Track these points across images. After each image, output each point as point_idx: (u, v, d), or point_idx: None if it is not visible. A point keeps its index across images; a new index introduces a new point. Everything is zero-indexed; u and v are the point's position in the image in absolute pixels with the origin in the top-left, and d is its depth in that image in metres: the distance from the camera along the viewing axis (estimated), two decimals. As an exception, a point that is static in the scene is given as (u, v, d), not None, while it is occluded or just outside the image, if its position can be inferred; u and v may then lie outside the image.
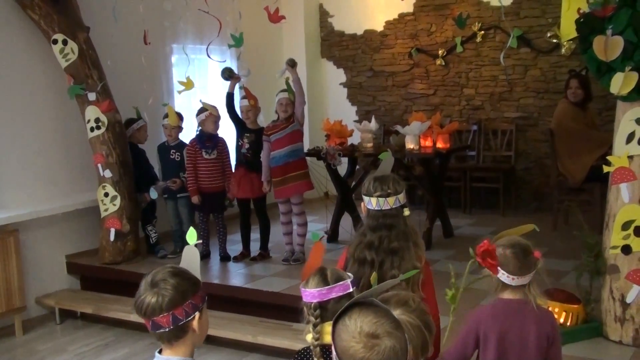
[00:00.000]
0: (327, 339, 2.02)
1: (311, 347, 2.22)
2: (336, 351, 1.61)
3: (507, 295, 2.73)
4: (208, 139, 5.92)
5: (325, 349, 2.15)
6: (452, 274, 2.52)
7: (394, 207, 2.84)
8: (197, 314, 2.01)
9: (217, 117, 5.92)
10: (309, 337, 2.23)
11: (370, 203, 2.87)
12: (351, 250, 2.90)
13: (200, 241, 2.29)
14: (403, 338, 1.58)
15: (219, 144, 5.96)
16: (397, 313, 1.77)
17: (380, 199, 2.84)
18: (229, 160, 6.03)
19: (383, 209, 2.84)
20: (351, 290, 2.24)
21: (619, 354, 3.74)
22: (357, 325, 1.57)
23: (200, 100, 5.99)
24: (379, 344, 1.55)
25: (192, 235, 2.24)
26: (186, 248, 2.22)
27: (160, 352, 2.07)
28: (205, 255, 6.03)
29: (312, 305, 2.22)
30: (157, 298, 1.96)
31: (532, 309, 2.69)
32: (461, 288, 2.51)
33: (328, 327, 1.99)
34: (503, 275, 2.69)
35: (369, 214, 2.92)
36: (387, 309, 1.61)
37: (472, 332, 2.74)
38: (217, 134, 5.99)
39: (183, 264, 2.16)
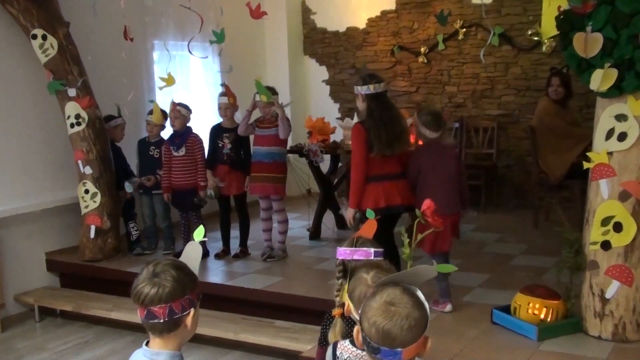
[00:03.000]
0: (345, 297, 2.33)
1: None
2: (360, 323, 1.82)
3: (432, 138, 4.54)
4: (177, 136, 5.89)
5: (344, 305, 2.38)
6: (404, 235, 2.77)
7: (385, 90, 4.57)
8: (192, 310, 2.03)
9: (172, 115, 5.83)
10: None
11: (368, 89, 4.48)
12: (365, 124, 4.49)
13: (207, 239, 2.32)
14: (423, 315, 1.78)
15: (188, 141, 5.86)
16: (372, 273, 2.16)
17: (376, 84, 4.49)
18: (201, 157, 5.89)
19: (378, 91, 4.50)
20: (372, 258, 2.44)
21: (598, 349, 3.76)
22: (382, 297, 1.79)
23: (172, 101, 5.93)
24: (399, 312, 1.75)
25: (199, 233, 2.25)
26: (190, 244, 2.23)
27: (147, 344, 2.07)
28: None
29: (337, 262, 2.51)
30: (157, 289, 1.97)
31: (445, 146, 4.62)
32: (413, 245, 2.77)
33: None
34: (427, 132, 4.52)
35: (369, 99, 4.49)
36: (413, 290, 1.82)
37: (417, 163, 4.50)
38: (189, 131, 5.91)
39: (183, 259, 2.16)
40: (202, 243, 2.23)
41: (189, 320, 2.03)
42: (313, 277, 5.33)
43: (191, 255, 2.20)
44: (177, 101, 5.90)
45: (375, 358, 1.80)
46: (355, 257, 2.52)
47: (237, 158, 5.82)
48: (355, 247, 2.53)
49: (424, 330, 1.79)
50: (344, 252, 2.54)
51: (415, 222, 2.89)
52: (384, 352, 1.77)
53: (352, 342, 2.18)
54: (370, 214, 2.99)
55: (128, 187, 6.02)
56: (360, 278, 2.23)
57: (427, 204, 2.99)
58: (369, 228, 2.82)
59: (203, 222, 5.88)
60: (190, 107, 6.01)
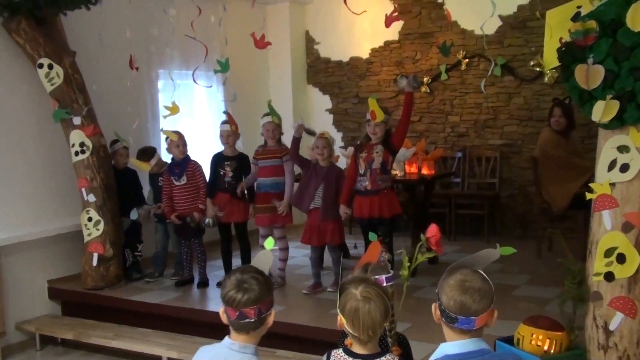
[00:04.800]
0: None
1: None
2: (439, 298, 2.21)
3: None
4: (176, 165, 5.90)
5: None
6: (405, 258, 2.90)
7: None
8: (272, 310, 2.38)
9: (181, 142, 5.86)
10: None
11: None
12: None
13: (277, 247, 2.61)
14: (490, 289, 2.22)
15: (189, 169, 5.88)
16: (361, 288, 2.32)
17: None
18: (203, 182, 5.92)
19: None
20: (385, 284, 2.60)
21: (602, 381, 3.72)
22: (456, 277, 2.21)
23: (162, 129, 5.97)
24: (473, 287, 2.17)
25: (270, 242, 2.61)
26: (262, 251, 2.56)
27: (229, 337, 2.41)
28: (188, 281, 6.01)
29: None
30: (248, 293, 2.30)
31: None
32: (413, 266, 2.94)
33: None
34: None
35: None
36: (478, 271, 2.26)
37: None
38: (188, 159, 5.93)
39: (256, 264, 2.47)
40: (273, 251, 2.58)
41: (270, 319, 2.37)
42: (315, 306, 5.31)
43: (262, 261, 2.52)
44: (170, 130, 5.89)
45: (452, 327, 2.20)
46: None
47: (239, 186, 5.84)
48: (368, 274, 2.64)
49: (492, 303, 2.19)
50: None
51: (418, 246, 2.97)
52: (461, 320, 2.16)
53: (345, 350, 2.40)
54: (372, 236, 3.10)
55: (133, 214, 6.07)
56: (350, 293, 2.34)
57: (433, 232, 3.01)
58: (373, 251, 2.92)
59: (205, 250, 5.97)
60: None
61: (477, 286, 2.18)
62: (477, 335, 2.22)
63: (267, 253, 2.55)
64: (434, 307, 2.27)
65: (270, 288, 2.38)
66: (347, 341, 2.43)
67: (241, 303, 2.30)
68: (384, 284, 2.63)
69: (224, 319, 2.39)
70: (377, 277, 2.59)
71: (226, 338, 2.41)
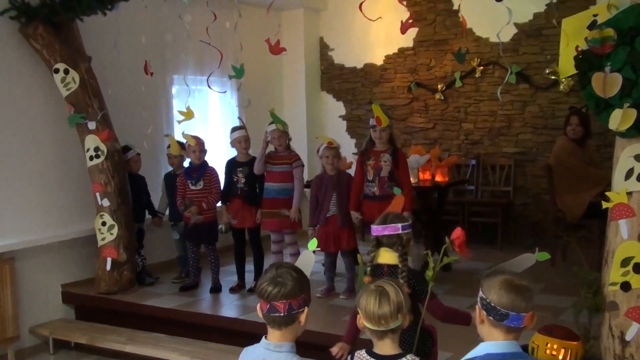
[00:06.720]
0: (379, 260, 3.16)
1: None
2: (486, 297, 2.32)
3: None
4: (194, 170, 5.93)
5: (375, 267, 3.18)
6: (430, 260, 2.99)
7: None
8: (306, 308, 2.39)
9: (197, 148, 5.88)
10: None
11: None
12: None
13: (319, 248, 2.81)
14: (530, 290, 2.33)
15: (206, 175, 5.91)
16: (376, 283, 2.46)
17: None
18: (217, 190, 5.95)
19: None
20: (400, 232, 3.06)
21: (618, 392, 3.69)
22: (502, 277, 2.33)
23: (182, 133, 6.00)
24: (522, 286, 2.30)
25: (312, 244, 2.72)
26: (304, 252, 2.66)
27: (265, 338, 2.42)
28: (193, 286, 6.02)
29: (372, 237, 3.18)
30: (280, 287, 2.32)
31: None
32: (437, 268, 3.00)
33: (383, 252, 3.17)
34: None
35: None
36: (517, 273, 2.43)
37: None
38: (206, 164, 5.97)
39: (298, 265, 2.53)
40: (315, 252, 2.70)
41: (303, 317, 2.38)
42: (328, 312, 5.29)
43: (305, 261, 2.62)
44: (191, 135, 5.94)
45: (500, 325, 2.29)
46: (386, 232, 3.08)
47: (251, 192, 5.85)
48: (387, 224, 3.02)
49: (533, 305, 2.31)
50: (376, 230, 3.10)
51: (443, 248, 3.00)
52: (512, 317, 2.27)
53: (368, 352, 2.47)
54: (397, 190, 3.78)
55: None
56: (365, 287, 2.49)
57: (458, 234, 3.04)
58: (397, 204, 3.35)
59: (218, 256, 5.99)
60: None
61: (525, 285, 2.31)
62: (516, 338, 2.32)
63: (309, 253, 2.62)
64: (478, 309, 2.35)
65: (304, 286, 2.39)
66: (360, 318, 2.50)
67: (271, 295, 2.32)
68: (399, 232, 2.98)
69: (259, 313, 2.42)
70: (393, 225, 2.92)
71: (262, 339, 2.44)
